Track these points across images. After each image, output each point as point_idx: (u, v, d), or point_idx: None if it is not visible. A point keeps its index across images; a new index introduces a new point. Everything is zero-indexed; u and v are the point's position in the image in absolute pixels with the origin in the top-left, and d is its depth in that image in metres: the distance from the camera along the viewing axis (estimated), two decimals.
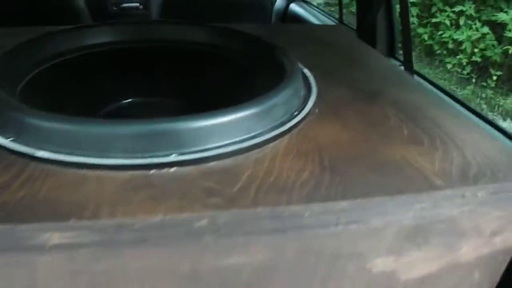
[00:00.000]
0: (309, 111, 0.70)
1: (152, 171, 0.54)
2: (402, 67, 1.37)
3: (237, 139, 0.58)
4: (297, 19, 2.08)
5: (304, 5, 2.14)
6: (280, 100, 0.64)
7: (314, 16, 2.01)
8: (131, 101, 0.88)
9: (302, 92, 0.74)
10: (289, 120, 0.65)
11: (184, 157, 0.55)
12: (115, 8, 2.71)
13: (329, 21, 1.92)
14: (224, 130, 0.58)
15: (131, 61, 0.87)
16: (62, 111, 0.76)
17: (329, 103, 0.74)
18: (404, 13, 1.31)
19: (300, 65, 0.86)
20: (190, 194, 0.51)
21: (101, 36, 0.85)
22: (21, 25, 1.04)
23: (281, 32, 1.16)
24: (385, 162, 0.60)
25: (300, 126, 0.66)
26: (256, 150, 0.59)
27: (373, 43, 1.52)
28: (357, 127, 0.68)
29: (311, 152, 0.60)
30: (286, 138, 0.62)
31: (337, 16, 1.97)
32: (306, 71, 0.85)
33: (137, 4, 2.73)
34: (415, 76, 1.34)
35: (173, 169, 0.54)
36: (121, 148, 0.55)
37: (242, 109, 0.60)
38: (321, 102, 0.74)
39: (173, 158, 0.55)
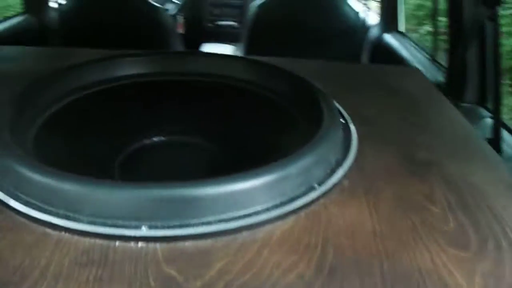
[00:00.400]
0: (336, 183, 0.59)
1: (117, 243, 0.47)
2: (491, 119, 1.18)
3: (225, 216, 0.49)
4: (389, 51, 1.92)
5: (399, 36, 1.98)
6: (292, 171, 0.54)
7: (407, 50, 1.84)
8: (159, 139, 0.82)
9: (334, 157, 0.63)
10: (302, 196, 0.54)
11: (155, 233, 0.47)
12: (210, 25, 2.75)
13: (422, 57, 1.75)
14: (209, 204, 0.49)
15: (163, 95, 0.82)
16: (83, 147, 0.73)
17: (365, 174, 0.63)
18: (496, 54, 1.12)
19: (346, 118, 0.75)
20: (142, 282, 0.42)
21: (129, 68, 0.80)
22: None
23: (349, 73, 1.05)
24: (407, 270, 0.47)
25: (315, 204, 0.55)
26: (245, 233, 0.49)
27: (462, 88, 1.35)
28: (389, 212, 0.56)
29: (314, 244, 0.49)
30: (289, 220, 0.52)
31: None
32: (352, 127, 0.73)
33: (233, 23, 2.75)
34: (505, 133, 1.15)
35: (139, 244, 0.47)
36: (89, 211, 0.48)
37: (234, 180, 0.50)
38: (356, 171, 0.62)
39: (141, 231, 0.47)
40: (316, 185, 0.57)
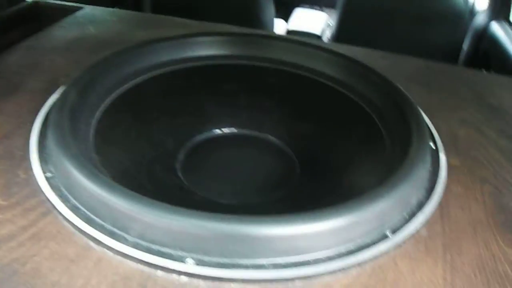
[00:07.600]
0: (412, 232, 0.51)
1: (158, 272, 0.43)
2: None
3: (280, 261, 0.44)
4: (495, 43, 1.71)
5: (507, 26, 1.76)
6: (366, 215, 0.47)
7: None
8: (229, 132, 0.77)
9: (416, 197, 0.55)
10: (371, 245, 0.47)
11: (200, 270, 0.43)
12: None
13: None
14: (264, 245, 0.43)
15: (239, 81, 0.76)
16: (146, 136, 0.69)
17: (447, 223, 0.53)
18: None
19: (437, 143, 0.66)
20: None
21: (201, 48, 0.75)
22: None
23: (448, 79, 0.92)
24: None
25: (384, 257, 0.47)
26: (298, 283, 0.43)
27: None
28: (467, 282, 0.47)
29: None
30: (352, 273, 0.45)
31: None
32: (442, 157, 0.64)
33: None
34: None
35: (182, 278, 0.43)
36: (136, 232, 0.45)
37: (296, 220, 0.44)
38: (438, 218, 0.54)
39: (186, 266, 0.43)
40: (389, 233, 0.50)
